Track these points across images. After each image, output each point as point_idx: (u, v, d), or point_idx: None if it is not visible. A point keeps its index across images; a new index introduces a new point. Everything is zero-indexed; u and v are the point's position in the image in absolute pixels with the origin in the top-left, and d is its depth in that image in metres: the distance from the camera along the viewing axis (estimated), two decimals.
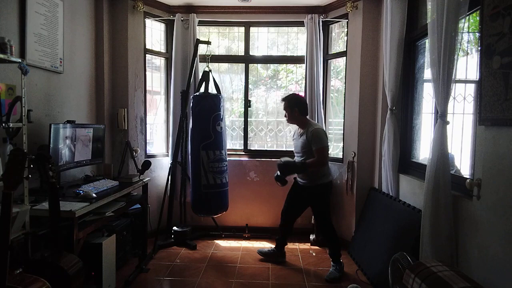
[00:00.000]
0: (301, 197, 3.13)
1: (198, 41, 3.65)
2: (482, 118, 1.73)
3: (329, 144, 3.05)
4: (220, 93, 3.67)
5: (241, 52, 4.13)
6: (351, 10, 3.52)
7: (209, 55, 3.69)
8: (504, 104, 1.56)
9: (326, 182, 3.02)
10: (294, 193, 3.19)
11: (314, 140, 2.88)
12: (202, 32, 4.12)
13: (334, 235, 3.09)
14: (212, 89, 3.70)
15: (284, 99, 3.08)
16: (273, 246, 3.38)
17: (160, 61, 4.11)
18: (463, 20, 1.90)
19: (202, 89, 3.65)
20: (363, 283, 2.87)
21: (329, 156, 3.87)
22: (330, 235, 3.09)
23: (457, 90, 2.28)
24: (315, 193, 3.03)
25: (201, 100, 3.50)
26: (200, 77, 3.75)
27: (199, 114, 3.48)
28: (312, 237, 3.78)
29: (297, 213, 3.25)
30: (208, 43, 3.67)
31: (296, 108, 3.00)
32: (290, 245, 3.57)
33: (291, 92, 3.53)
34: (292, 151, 3.90)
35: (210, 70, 3.64)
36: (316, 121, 3.73)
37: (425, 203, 2.11)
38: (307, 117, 3.12)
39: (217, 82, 3.71)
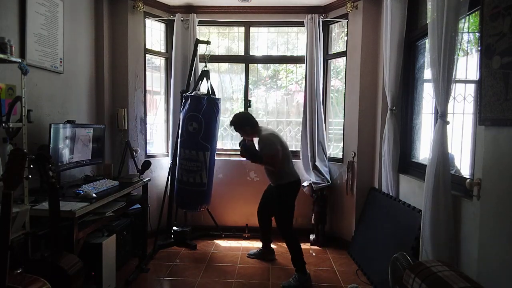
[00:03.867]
0: (271, 196, 3.15)
1: (198, 41, 3.66)
2: (482, 118, 1.73)
3: (283, 145, 2.96)
4: (213, 94, 3.65)
5: (241, 52, 4.13)
6: (351, 10, 3.52)
7: (208, 55, 3.69)
8: (504, 104, 1.56)
9: (285, 182, 2.97)
10: (267, 192, 3.30)
11: (260, 147, 2.95)
12: (202, 32, 4.12)
13: (294, 242, 2.96)
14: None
15: (231, 124, 3.10)
16: (261, 246, 3.47)
17: (160, 61, 4.11)
18: (463, 20, 1.90)
19: (203, 88, 3.67)
20: (363, 283, 2.87)
21: (329, 157, 3.89)
22: (290, 241, 2.99)
23: (457, 90, 2.28)
24: (277, 193, 3.03)
25: (185, 100, 3.56)
26: (199, 76, 3.74)
27: (181, 112, 3.57)
28: (312, 237, 3.78)
29: (269, 211, 3.23)
30: (207, 43, 3.68)
31: (247, 126, 3.04)
32: None
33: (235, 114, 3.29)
34: (294, 150, 3.90)
35: (208, 70, 3.64)
36: (316, 121, 3.73)
37: (425, 203, 2.11)
38: (259, 125, 3.11)
39: (212, 84, 3.67)
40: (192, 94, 3.58)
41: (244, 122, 3.05)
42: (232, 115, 3.17)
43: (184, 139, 3.51)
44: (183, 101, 3.58)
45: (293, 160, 3.15)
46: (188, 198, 3.58)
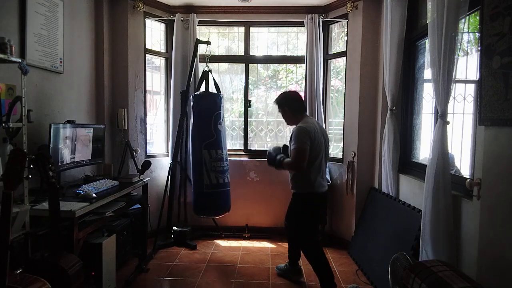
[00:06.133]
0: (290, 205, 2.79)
1: (198, 41, 3.66)
2: (482, 118, 1.73)
3: (319, 144, 2.54)
4: (220, 92, 3.67)
5: (241, 52, 4.13)
6: (351, 10, 3.52)
7: (209, 55, 3.69)
8: (504, 104, 1.56)
9: (307, 192, 2.56)
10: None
11: (293, 139, 2.48)
12: (202, 32, 4.12)
13: (314, 257, 2.59)
14: (212, 89, 3.71)
15: (275, 101, 2.77)
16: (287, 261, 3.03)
17: (160, 61, 4.11)
18: (463, 20, 1.90)
19: (202, 89, 3.65)
20: (363, 283, 2.87)
21: (329, 157, 3.85)
22: (309, 256, 2.62)
23: (457, 90, 2.28)
24: (295, 202, 2.67)
25: (202, 99, 3.51)
26: (199, 77, 3.75)
27: (200, 113, 3.48)
28: None
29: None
30: (208, 43, 3.68)
31: (286, 107, 2.67)
32: None
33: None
34: None
35: (210, 70, 3.64)
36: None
37: (425, 203, 2.11)
38: (306, 114, 2.77)
39: (217, 82, 3.71)
40: (210, 93, 3.55)
41: (285, 101, 2.68)
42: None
43: (214, 140, 3.42)
44: (199, 100, 3.48)
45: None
46: (221, 200, 3.50)
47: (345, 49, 3.71)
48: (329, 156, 3.86)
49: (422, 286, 1.57)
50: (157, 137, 4.15)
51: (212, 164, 3.44)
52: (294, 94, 2.77)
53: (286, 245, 2.99)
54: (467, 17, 2.00)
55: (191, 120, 3.64)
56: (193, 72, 3.72)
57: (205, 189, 3.45)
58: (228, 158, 4.01)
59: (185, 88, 3.67)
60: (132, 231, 3.17)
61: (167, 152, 4.05)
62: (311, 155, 2.48)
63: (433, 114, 2.49)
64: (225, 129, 3.70)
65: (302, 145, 2.43)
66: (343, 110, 3.76)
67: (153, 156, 3.88)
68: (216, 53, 4.10)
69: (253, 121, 4.21)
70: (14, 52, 1.98)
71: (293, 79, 4.28)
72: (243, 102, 4.12)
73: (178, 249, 3.57)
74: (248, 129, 4.13)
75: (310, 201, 2.60)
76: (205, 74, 3.62)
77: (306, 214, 2.61)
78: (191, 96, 3.59)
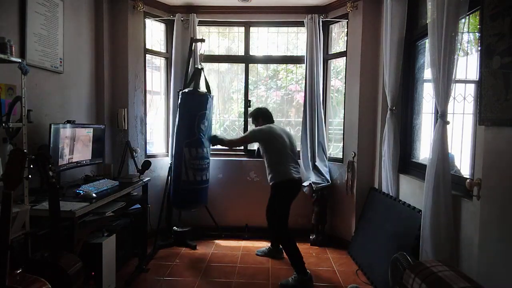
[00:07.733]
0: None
1: (192, 40, 3.65)
2: (482, 118, 1.73)
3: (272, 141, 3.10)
4: (210, 92, 3.62)
5: (241, 52, 4.13)
6: (351, 10, 3.52)
7: (203, 53, 3.67)
8: (504, 104, 1.56)
9: (277, 181, 3.03)
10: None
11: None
12: (202, 32, 4.11)
13: (287, 243, 2.95)
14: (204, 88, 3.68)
15: (250, 116, 3.51)
16: (269, 245, 3.51)
17: (160, 61, 4.11)
18: (463, 20, 1.90)
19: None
20: (363, 283, 2.87)
21: (329, 157, 3.88)
22: (282, 242, 3.01)
23: (457, 90, 2.28)
24: (271, 192, 3.14)
25: (188, 98, 3.43)
26: (191, 74, 3.71)
27: (185, 111, 3.43)
28: (312, 237, 3.78)
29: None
30: (202, 40, 3.66)
31: (260, 118, 3.31)
32: None
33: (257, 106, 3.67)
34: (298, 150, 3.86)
35: (202, 68, 3.59)
36: (316, 121, 3.74)
37: (425, 203, 2.11)
38: (273, 123, 3.30)
39: (208, 81, 3.64)
40: (198, 92, 3.50)
41: (259, 114, 3.34)
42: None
43: (196, 139, 3.41)
44: (186, 98, 3.44)
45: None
46: (197, 195, 3.51)
47: (345, 49, 3.71)
48: (329, 156, 3.89)
49: (422, 286, 1.57)
50: (157, 137, 4.15)
51: (191, 162, 3.40)
52: (265, 108, 3.46)
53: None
54: (467, 17, 2.00)
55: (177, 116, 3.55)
56: (189, 71, 3.70)
57: (182, 185, 3.42)
58: (228, 158, 4.02)
59: (182, 87, 3.66)
60: (132, 231, 3.17)
61: (167, 152, 4.04)
62: (272, 149, 3.07)
63: (433, 114, 2.49)
64: (211, 128, 3.61)
65: (250, 135, 3.26)
66: (343, 110, 3.76)
67: (153, 156, 3.88)
68: (216, 53, 4.10)
69: None
70: (14, 52, 1.98)
71: (293, 79, 4.28)
72: (243, 102, 4.12)
73: (178, 249, 3.57)
74: (248, 129, 4.12)
75: (282, 189, 3.06)
76: (197, 72, 3.54)
77: (281, 200, 3.05)
78: (179, 93, 3.51)
